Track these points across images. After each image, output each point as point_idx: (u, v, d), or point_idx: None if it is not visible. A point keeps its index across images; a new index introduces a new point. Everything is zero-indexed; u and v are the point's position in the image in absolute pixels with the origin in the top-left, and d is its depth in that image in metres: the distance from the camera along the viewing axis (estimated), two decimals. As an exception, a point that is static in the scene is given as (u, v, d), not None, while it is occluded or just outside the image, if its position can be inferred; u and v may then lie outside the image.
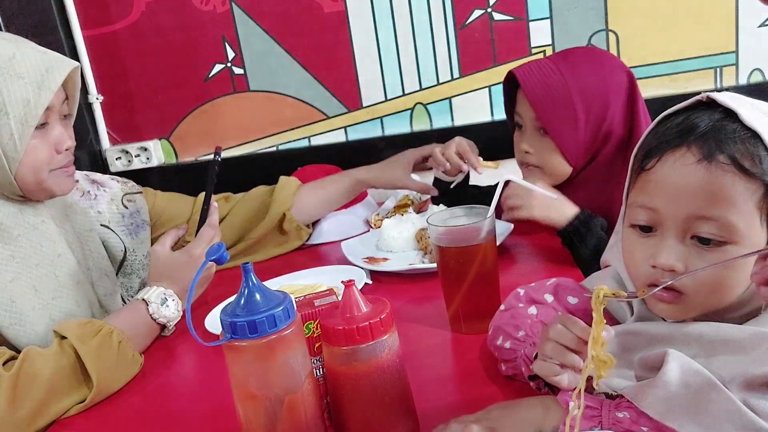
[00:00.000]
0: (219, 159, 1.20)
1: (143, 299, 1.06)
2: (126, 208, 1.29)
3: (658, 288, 0.66)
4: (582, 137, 1.18)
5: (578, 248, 1.12)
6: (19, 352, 0.93)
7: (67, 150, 1.06)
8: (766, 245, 0.66)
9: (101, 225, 1.22)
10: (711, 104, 0.69)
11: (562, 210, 1.13)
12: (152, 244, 1.30)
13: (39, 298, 1.02)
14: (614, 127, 1.19)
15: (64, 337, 0.93)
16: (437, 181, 1.44)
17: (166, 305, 1.07)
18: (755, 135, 0.65)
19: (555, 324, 0.69)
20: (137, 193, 1.34)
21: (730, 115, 0.67)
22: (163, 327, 1.09)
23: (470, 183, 1.44)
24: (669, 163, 0.68)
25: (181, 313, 1.09)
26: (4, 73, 0.98)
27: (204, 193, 1.19)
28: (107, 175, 1.33)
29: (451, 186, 1.40)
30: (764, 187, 0.65)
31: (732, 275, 0.66)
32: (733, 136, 0.65)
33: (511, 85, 1.27)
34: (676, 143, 0.67)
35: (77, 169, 1.31)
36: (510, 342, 0.82)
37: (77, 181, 1.23)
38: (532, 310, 0.85)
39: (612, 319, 0.82)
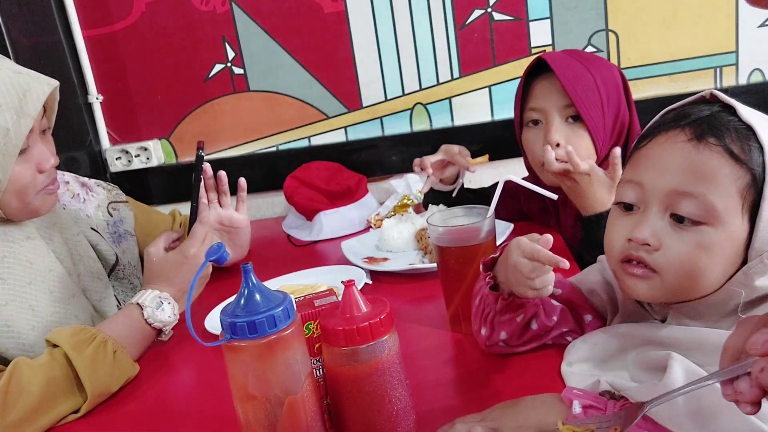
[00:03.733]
0: (202, 154, 1.17)
1: (138, 303, 1.03)
2: (111, 215, 1.27)
3: (631, 426, 0.60)
4: (607, 122, 1.20)
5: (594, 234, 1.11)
6: None
7: (50, 168, 1.02)
8: (746, 239, 0.67)
9: (91, 228, 1.20)
10: (712, 101, 0.71)
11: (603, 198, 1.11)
12: (141, 254, 1.30)
13: (37, 317, 0.99)
14: (625, 118, 1.22)
15: (55, 346, 0.91)
16: (436, 192, 1.44)
17: (162, 309, 1.03)
18: (749, 128, 0.67)
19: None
20: (122, 202, 1.32)
21: (729, 109, 0.69)
22: (159, 332, 1.05)
23: (465, 187, 1.45)
24: (661, 141, 0.70)
25: (178, 316, 1.06)
26: None
27: (188, 197, 1.17)
28: (93, 180, 1.31)
29: (453, 195, 1.40)
30: (750, 176, 0.66)
31: (705, 258, 0.67)
32: (727, 125, 0.67)
33: (525, 80, 1.26)
34: (671, 126, 0.70)
35: (76, 170, 1.31)
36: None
37: (67, 182, 1.23)
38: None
39: (597, 314, 0.83)
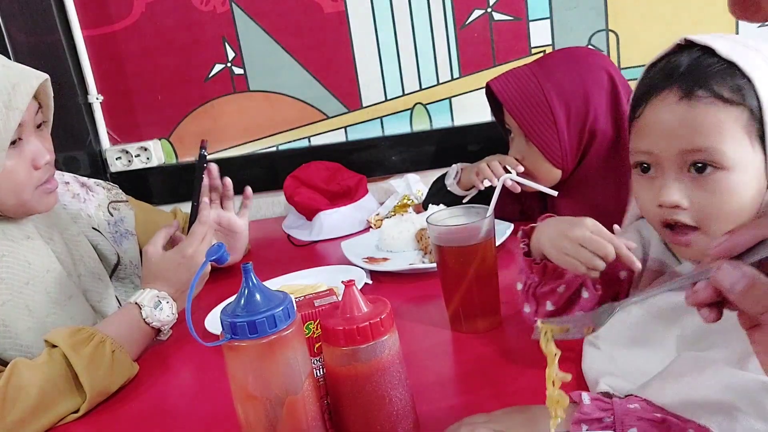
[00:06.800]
0: (205, 153, 1.16)
1: (136, 303, 1.02)
2: (111, 215, 1.27)
3: (594, 330, 0.59)
4: (566, 139, 1.20)
5: None
6: None
7: (46, 164, 1.01)
8: (765, 164, 0.69)
9: (92, 228, 1.20)
10: (690, 45, 0.72)
11: None
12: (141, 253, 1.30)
13: (33, 317, 0.99)
14: (599, 125, 1.20)
15: (54, 346, 0.91)
16: (449, 194, 1.44)
17: (160, 308, 1.03)
18: (732, 65, 0.68)
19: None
20: (122, 201, 1.32)
21: (708, 51, 0.70)
22: (158, 331, 1.05)
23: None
24: (655, 107, 0.72)
25: (176, 316, 1.06)
26: None
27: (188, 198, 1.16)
28: (93, 180, 1.31)
29: (463, 201, 1.39)
30: (748, 111, 0.68)
31: (736, 200, 0.69)
32: (710, 70, 0.69)
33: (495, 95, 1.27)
34: (660, 87, 0.71)
35: (76, 170, 1.30)
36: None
37: (67, 182, 1.22)
38: None
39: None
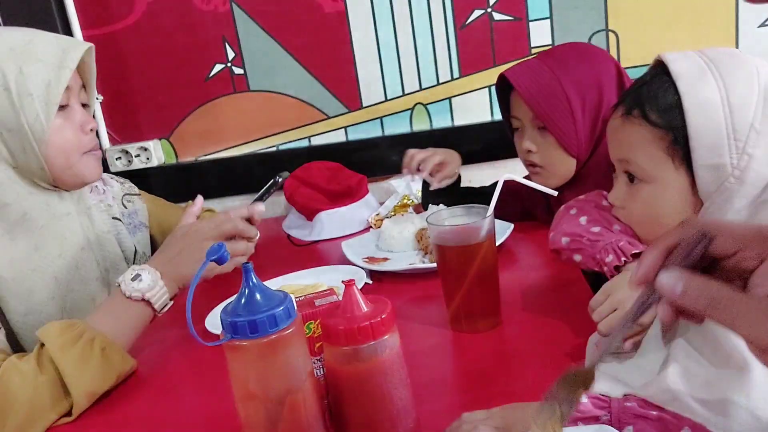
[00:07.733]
0: (279, 180, 1.17)
1: (117, 283, 0.98)
2: (125, 207, 1.30)
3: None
4: (581, 128, 1.20)
5: None
6: (25, 344, 0.93)
7: (92, 130, 1.08)
8: (691, 187, 0.76)
9: (113, 218, 1.23)
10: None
11: None
12: (152, 248, 1.31)
13: (59, 287, 1.04)
14: (609, 115, 1.20)
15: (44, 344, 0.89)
16: (425, 184, 1.46)
17: (139, 279, 0.97)
18: (675, 88, 0.74)
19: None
20: (136, 194, 1.35)
21: (666, 71, 0.76)
22: (155, 314, 0.99)
23: (466, 186, 1.45)
24: (611, 119, 0.83)
25: (162, 285, 0.99)
26: (23, 57, 1.00)
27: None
28: (107, 174, 1.34)
29: (430, 188, 1.41)
30: (672, 135, 0.75)
31: (656, 209, 0.79)
32: (655, 91, 0.77)
33: (503, 89, 1.28)
34: (618, 102, 0.82)
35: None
36: (599, 227, 0.89)
37: None
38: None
39: None
